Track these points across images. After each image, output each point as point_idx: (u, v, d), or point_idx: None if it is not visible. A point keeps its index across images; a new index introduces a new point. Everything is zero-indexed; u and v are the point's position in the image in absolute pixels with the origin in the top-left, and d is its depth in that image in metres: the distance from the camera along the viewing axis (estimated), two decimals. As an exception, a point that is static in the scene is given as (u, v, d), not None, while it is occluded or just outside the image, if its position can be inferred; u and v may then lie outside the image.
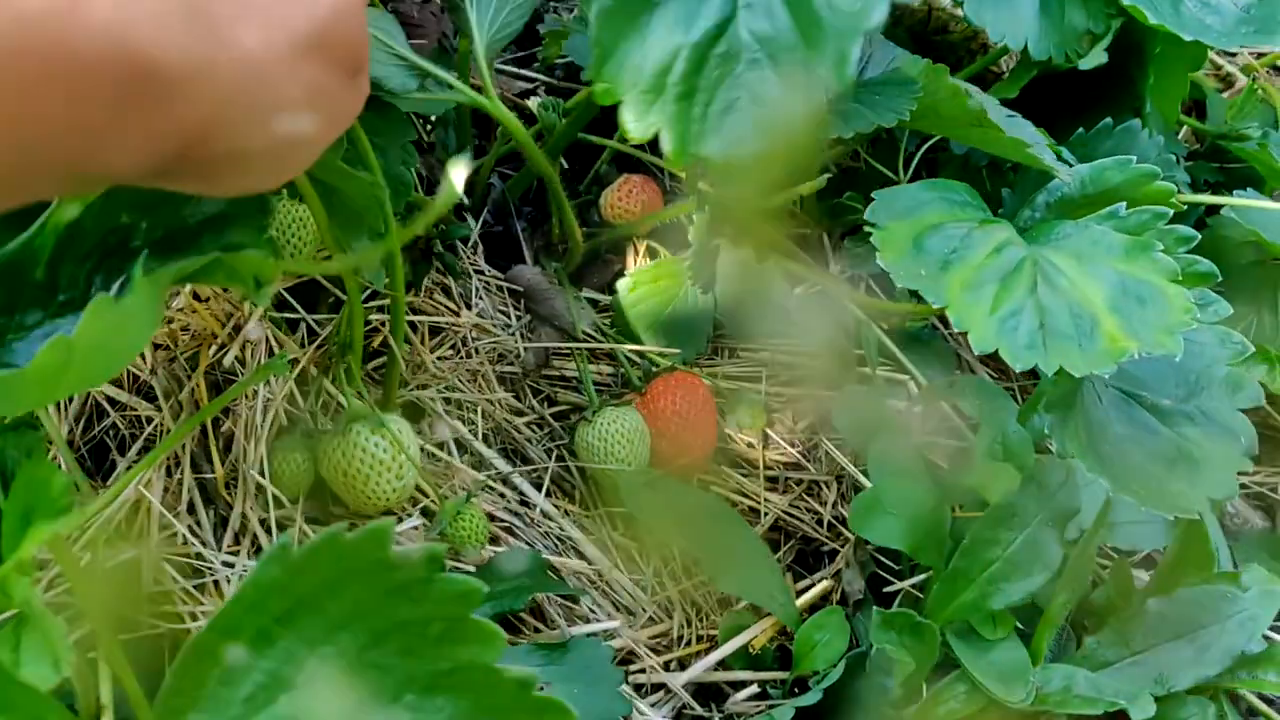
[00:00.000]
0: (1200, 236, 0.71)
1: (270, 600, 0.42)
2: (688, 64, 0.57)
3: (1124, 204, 0.72)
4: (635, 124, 0.56)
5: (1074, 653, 0.79)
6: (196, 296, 0.77)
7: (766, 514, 0.88)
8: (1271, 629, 0.83)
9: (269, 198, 0.60)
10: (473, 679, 0.45)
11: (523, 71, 1.03)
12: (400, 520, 0.75)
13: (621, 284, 0.89)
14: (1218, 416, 0.70)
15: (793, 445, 0.92)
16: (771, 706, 0.75)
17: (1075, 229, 0.70)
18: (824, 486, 0.91)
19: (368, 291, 0.82)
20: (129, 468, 0.70)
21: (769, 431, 0.92)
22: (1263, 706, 0.88)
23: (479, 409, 0.83)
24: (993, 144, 0.72)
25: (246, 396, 0.72)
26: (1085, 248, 0.67)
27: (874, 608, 0.73)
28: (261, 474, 0.72)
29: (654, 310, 0.89)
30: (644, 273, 0.90)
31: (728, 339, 0.94)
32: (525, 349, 0.86)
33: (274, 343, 0.74)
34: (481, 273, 0.89)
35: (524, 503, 0.81)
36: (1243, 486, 1.00)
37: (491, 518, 0.79)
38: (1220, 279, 0.73)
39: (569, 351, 0.88)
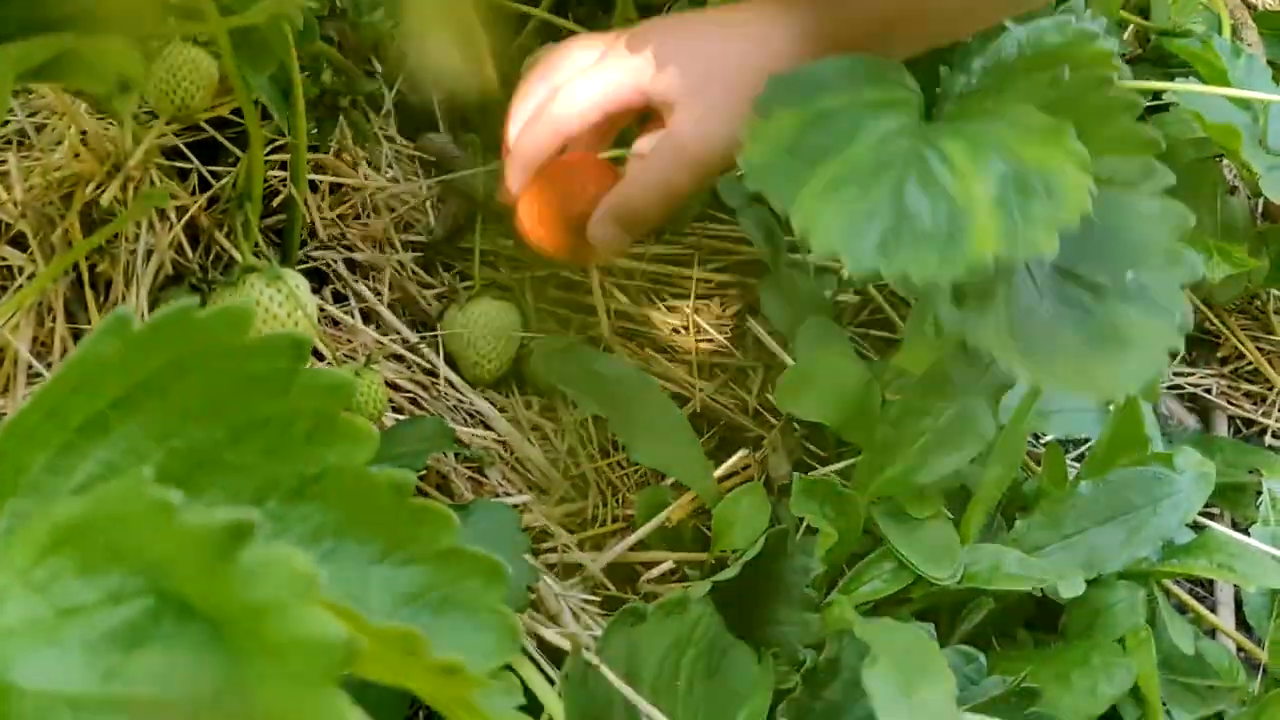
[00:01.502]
0: (1144, 103, 0.68)
1: (105, 381, 0.37)
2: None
3: (1067, 67, 0.68)
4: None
5: (1003, 537, 0.76)
6: (84, 143, 0.71)
7: (690, 400, 0.84)
8: (1204, 514, 0.81)
9: None
10: (342, 484, 0.40)
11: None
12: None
13: None
14: (1154, 293, 0.67)
15: (720, 332, 0.88)
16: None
17: (994, 107, 0.65)
18: (750, 373, 0.87)
19: (269, 146, 0.77)
20: (-5, 316, 0.64)
21: (696, 319, 0.89)
22: (1193, 603, 0.86)
23: (385, 277, 0.79)
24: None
25: (127, 240, 0.66)
26: (993, 129, 0.61)
27: (796, 476, 0.70)
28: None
29: None
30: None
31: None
32: (435, 218, 0.81)
33: (157, 182, 0.69)
34: (393, 140, 0.84)
35: (430, 373, 0.77)
36: (1176, 388, 0.99)
37: (395, 387, 0.75)
38: (1163, 147, 0.70)
39: (481, 227, 0.83)
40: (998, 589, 0.70)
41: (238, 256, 0.69)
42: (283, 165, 0.76)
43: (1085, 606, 0.75)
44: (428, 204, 0.82)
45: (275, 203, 0.77)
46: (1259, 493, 0.89)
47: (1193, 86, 0.90)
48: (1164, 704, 0.75)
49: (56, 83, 0.61)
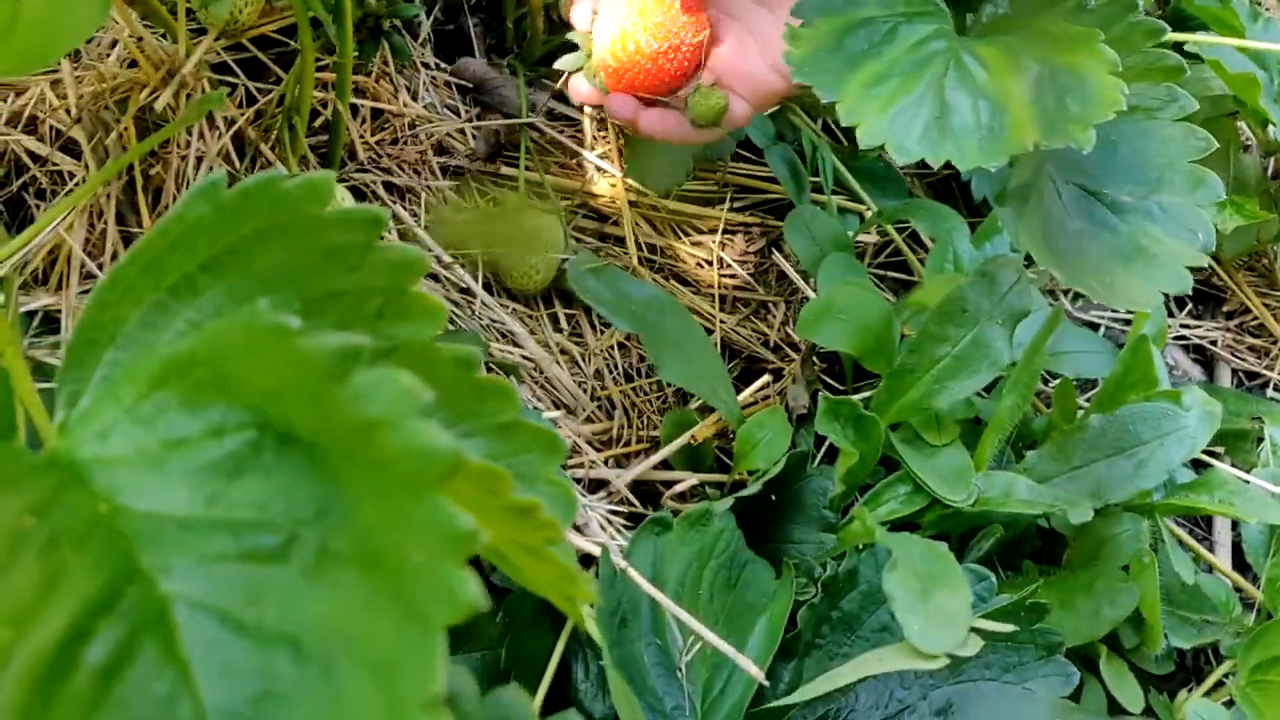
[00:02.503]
0: (1169, 30, 0.70)
1: (197, 242, 0.39)
2: None
3: None
4: None
5: (1014, 468, 0.78)
6: (140, 49, 0.73)
7: (713, 332, 0.86)
8: (1209, 453, 0.84)
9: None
10: (411, 358, 0.43)
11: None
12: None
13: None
14: (1177, 212, 0.69)
15: (744, 267, 0.90)
16: (710, 503, 0.74)
17: (1028, 22, 0.68)
18: (772, 308, 0.90)
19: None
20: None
21: (721, 253, 0.91)
22: (1193, 543, 0.89)
23: (422, 199, 0.80)
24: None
25: (178, 146, 0.68)
26: (1025, 40, 0.64)
27: (821, 395, 0.72)
28: (191, 231, 0.68)
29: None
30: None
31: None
32: (476, 133, 0.83)
33: (209, 88, 0.70)
34: (429, 66, 0.86)
35: (465, 292, 0.79)
36: (1182, 340, 1.01)
37: (431, 304, 0.77)
38: (1188, 73, 0.71)
39: (517, 152, 0.85)
40: (1009, 514, 0.73)
41: (282, 169, 0.71)
42: (324, 87, 0.78)
43: (1090, 537, 0.78)
44: (466, 129, 0.84)
45: (317, 123, 0.78)
46: (1260, 439, 0.92)
47: (1213, 38, 0.92)
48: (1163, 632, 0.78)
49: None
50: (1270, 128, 0.90)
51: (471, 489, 0.34)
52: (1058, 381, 0.87)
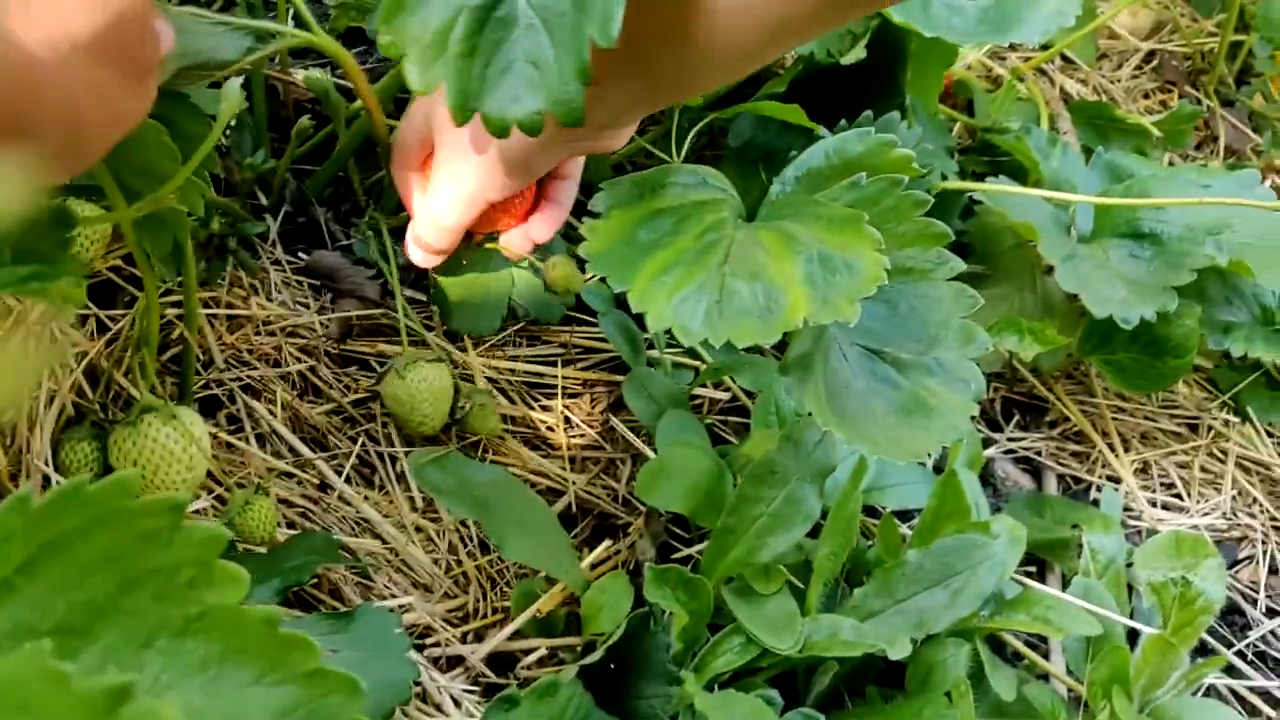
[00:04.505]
0: (933, 200, 0.77)
1: (11, 550, 0.44)
2: (468, 26, 0.59)
3: (865, 174, 0.77)
4: (418, 78, 0.58)
5: (845, 605, 0.85)
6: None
7: (565, 492, 0.92)
8: (1026, 574, 0.91)
9: (71, 211, 0.62)
10: (221, 620, 0.48)
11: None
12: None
13: None
14: (952, 366, 0.76)
15: (591, 427, 0.97)
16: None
17: (804, 206, 0.75)
18: (619, 464, 0.96)
19: (163, 288, 0.84)
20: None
21: (568, 414, 0.97)
22: (1027, 651, 0.95)
23: (278, 399, 0.86)
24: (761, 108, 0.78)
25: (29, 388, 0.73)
26: (799, 226, 0.71)
27: (647, 565, 0.78)
28: (48, 465, 0.73)
29: (468, 280, 0.91)
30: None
31: (529, 327, 0.99)
32: (329, 320, 0.89)
33: (59, 335, 0.75)
34: (279, 264, 0.92)
35: (322, 488, 0.84)
36: (1011, 452, 1.09)
37: (287, 504, 0.82)
38: (954, 238, 0.79)
39: (371, 327, 0.91)
40: (838, 655, 0.79)
41: (136, 395, 0.76)
42: (177, 303, 0.83)
43: (919, 663, 0.84)
44: (317, 321, 0.89)
45: (174, 335, 0.84)
46: (1081, 546, 1.00)
47: (998, 186, 1.01)
48: (993, 746, 0.84)
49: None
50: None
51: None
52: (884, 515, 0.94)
